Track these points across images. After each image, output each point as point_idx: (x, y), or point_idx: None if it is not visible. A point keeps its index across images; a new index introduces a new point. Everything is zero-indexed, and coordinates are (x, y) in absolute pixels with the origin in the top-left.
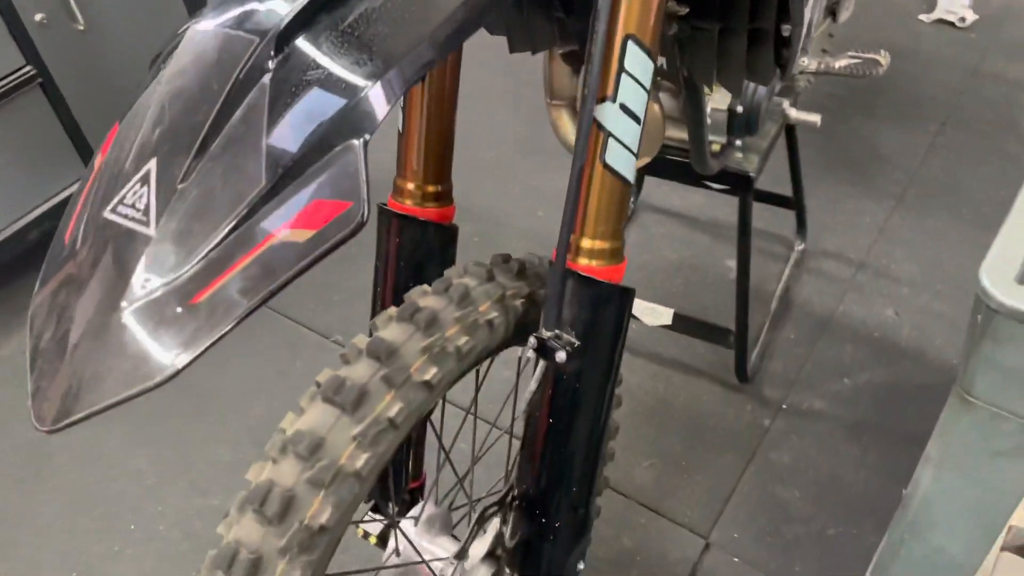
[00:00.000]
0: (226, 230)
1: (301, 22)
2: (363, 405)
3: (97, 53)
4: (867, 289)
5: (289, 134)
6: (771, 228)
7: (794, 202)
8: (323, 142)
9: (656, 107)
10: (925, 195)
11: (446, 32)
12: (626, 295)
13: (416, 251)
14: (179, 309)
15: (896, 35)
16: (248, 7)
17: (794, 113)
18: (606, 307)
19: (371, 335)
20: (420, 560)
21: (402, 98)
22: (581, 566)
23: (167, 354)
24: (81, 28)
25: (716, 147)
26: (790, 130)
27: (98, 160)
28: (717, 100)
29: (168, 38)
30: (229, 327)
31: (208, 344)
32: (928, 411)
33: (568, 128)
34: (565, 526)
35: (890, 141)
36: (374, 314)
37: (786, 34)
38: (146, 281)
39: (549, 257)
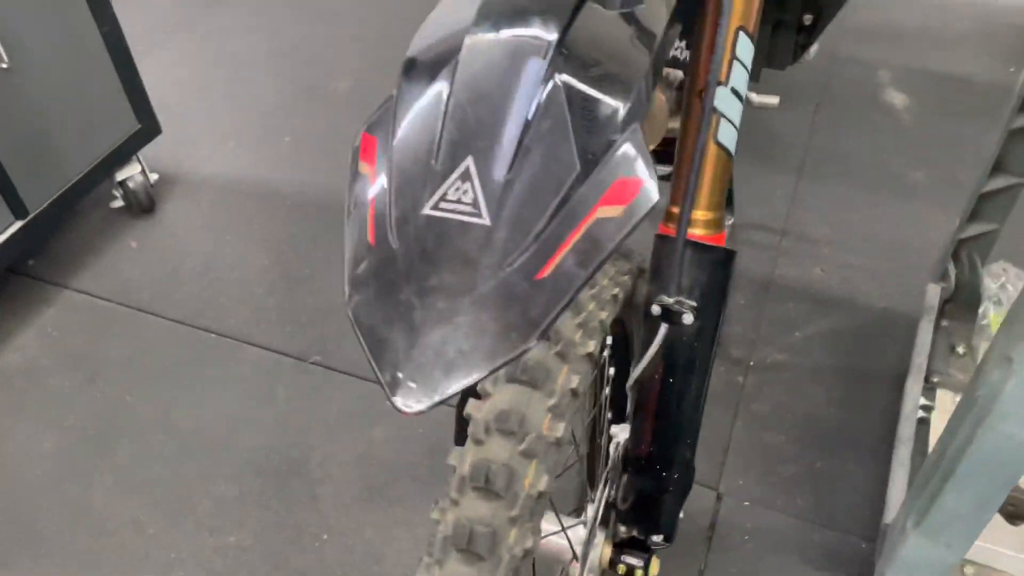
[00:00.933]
0: (551, 212)
1: (567, 27)
2: (548, 380)
3: (23, 92)
4: (794, 253)
5: (589, 124)
6: None
7: None
8: (613, 129)
9: (662, 97)
10: (820, 165)
11: (674, 26)
12: (732, 256)
13: None
14: (527, 285)
15: None
16: (520, 20)
17: (755, 97)
18: (719, 270)
19: None
20: (559, 530)
21: None
22: (681, 515)
23: (529, 322)
24: (5, 67)
25: None
26: None
27: (367, 169)
28: None
29: (435, 53)
30: (574, 294)
31: (560, 310)
32: (868, 348)
33: None
34: (680, 477)
35: (779, 122)
36: None
37: (807, 23)
38: (492, 265)
39: None
